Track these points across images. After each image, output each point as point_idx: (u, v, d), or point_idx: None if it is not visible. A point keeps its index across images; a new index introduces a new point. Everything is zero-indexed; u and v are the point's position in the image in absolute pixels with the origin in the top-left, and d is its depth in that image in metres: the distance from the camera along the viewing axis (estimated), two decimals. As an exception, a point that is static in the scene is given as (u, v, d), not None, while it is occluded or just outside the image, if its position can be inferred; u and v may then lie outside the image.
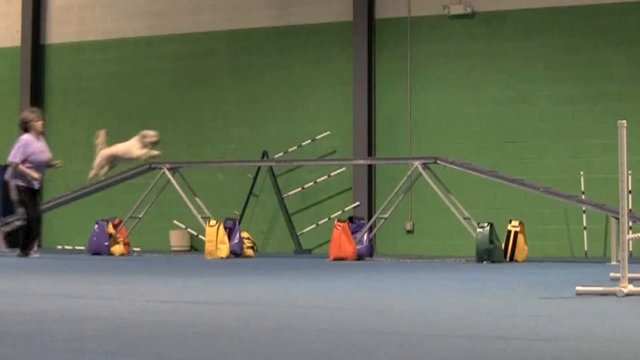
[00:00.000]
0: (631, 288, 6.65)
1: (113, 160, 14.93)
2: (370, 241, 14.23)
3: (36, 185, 13.94)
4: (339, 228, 13.73)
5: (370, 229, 14.47)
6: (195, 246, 18.03)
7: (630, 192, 15.07)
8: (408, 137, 17.10)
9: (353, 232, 13.86)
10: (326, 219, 17.09)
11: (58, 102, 19.80)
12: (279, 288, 8.07)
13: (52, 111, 19.83)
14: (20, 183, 13.81)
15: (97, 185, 16.07)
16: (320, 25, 17.85)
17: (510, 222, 13.52)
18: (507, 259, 13.22)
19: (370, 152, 17.19)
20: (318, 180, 17.43)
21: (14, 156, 13.82)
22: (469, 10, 16.81)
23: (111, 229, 15.13)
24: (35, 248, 14.08)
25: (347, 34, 17.58)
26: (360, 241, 13.82)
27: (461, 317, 5.52)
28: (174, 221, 18.13)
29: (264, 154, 17.54)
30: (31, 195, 13.90)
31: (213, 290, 7.81)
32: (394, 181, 15.34)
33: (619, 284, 6.69)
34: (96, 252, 14.98)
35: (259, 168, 17.80)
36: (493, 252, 12.91)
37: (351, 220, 14.16)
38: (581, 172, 15.91)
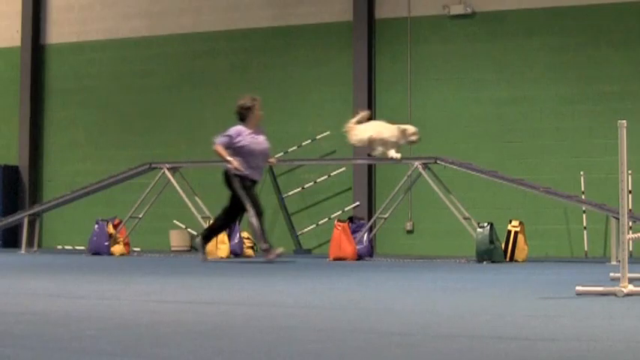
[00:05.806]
0: (631, 288, 6.65)
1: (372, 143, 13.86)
2: (370, 241, 14.22)
3: (253, 175, 12.85)
4: (339, 228, 13.72)
5: (370, 229, 14.46)
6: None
7: (630, 192, 15.07)
8: (408, 137, 17.07)
9: (353, 232, 13.84)
10: (326, 219, 17.08)
11: (58, 102, 19.79)
12: (279, 288, 8.07)
13: (52, 111, 19.83)
14: (237, 172, 12.66)
15: (96, 185, 16.07)
16: (320, 25, 17.84)
17: (510, 222, 13.51)
18: (507, 259, 13.21)
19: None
20: (318, 180, 17.42)
21: (218, 140, 12.87)
22: (469, 10, 16.81)
23: (111, 229, 15.12)
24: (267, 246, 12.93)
25: (347, 34, 17.57)
26: (360, 241, 13.80)
27: (461, 317, 5.51)
28: (174, 221, 18.13)
29: (264, 154, 17.52)
30: (247, 186, 12.72)
31: (213, 290, 7.80)
32: (394, 181, 15.32)
33: (619, 284, 6.69)
34: (96, 252, 14.97)
35: (259, 168, 17.78)
36: (493, 252, 12.89)
37: (351, 220, 14.14)
38: (581, 172, 15.91)
